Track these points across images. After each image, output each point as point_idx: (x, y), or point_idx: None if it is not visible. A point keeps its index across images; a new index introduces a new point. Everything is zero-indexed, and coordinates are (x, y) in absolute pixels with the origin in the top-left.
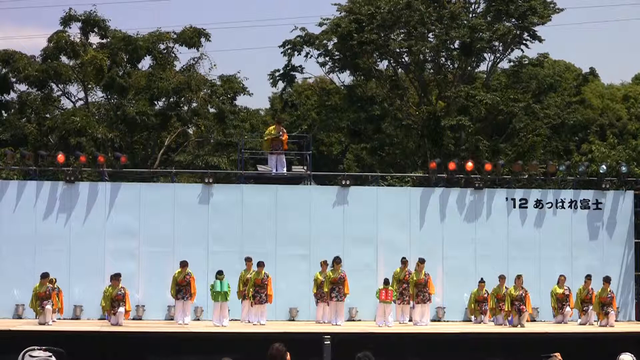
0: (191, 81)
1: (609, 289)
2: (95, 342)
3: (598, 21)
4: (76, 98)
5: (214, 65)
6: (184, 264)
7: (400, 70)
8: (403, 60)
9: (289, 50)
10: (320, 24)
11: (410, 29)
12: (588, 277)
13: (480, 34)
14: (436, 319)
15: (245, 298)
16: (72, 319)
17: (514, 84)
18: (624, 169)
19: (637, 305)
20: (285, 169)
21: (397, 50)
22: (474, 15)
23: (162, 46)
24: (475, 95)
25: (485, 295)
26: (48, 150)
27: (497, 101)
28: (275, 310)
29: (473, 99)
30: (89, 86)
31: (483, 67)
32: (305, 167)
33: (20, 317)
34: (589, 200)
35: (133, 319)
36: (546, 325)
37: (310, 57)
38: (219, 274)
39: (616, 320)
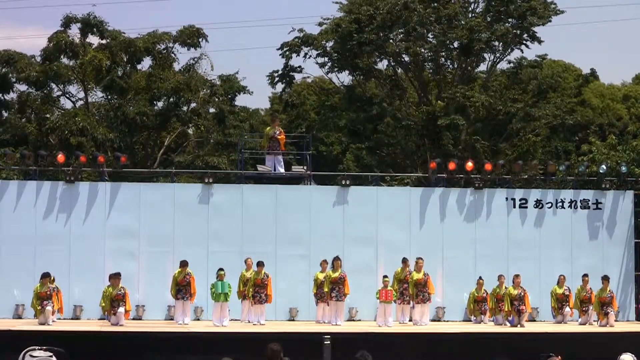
0: (190, 81)
1: (608, 289)
2: (95, 342)
3: (598, 21)
4: (76, 98)
5: (211, 67)
6: (184, 264)
7: (399, 70)
8: (402, 59)
9: (287, 53)
10: (320, 24)
11: (410, 29)
12: (585, 276)
13: (479, 34)
14: (436, 319)
15: (245, 298)
16: (72, 319)
17: (513, 84)
18: (623, 169)
19: (637, 305)
20: (283, 169)
21: (397, 50)
22: (473, 15)
23: (161, 46)
24: (471, 96)
25: (485, 294)
26: (48, 150)
27: (491, 102)
28: (275, 310)
29: (469, 100)
30: (89, 86)
31: (483, 67)
32: (305, 167)
33: (20, 317)
34: (589, 200)
35: (133, 319)
36: (546, 325)
37: (309, 58)
38: (220, 270)
39: (616, 320)
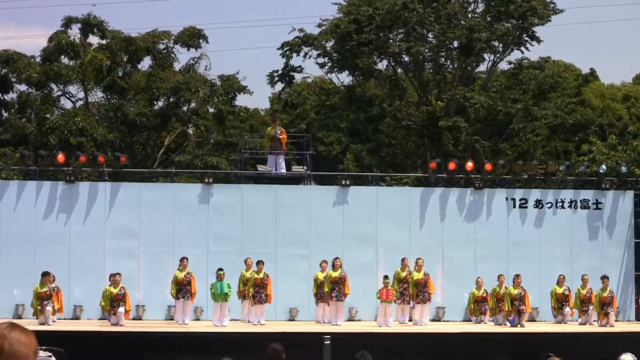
0: (190, 81)
1: (608, 289)
2: (95, 342)
3: (598, 21)
4: (76, 98)
5: (210, 66)
6: (183, 259)
7: (399, 70)
8: (402, 59)
9: (287, 52)
10: (320, 25)
11: (409, 29)
12: (585, 276)
13: (479, 34)
14: (436, 319)
15: (245, 298)
16: (72, 319)
17: (514, 85)
18: (623, 169)
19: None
20: (284, 169)
21: (397, 50)
22: (473, 15)
23: (161, 46)
24: (471, 97)
25: (485, 294)
26: (48, 150)
27: (490, 104)
28: (275, 310)
29: (469, 101)
30: (89, 86)
31: (483, 67)
32: (305, 167)
33: (20, 317)
34: (589, 200)
35: (133, 319)
36: (546, 325)
37: (309, 58)
38: (220, 270)
39: (616, 320)
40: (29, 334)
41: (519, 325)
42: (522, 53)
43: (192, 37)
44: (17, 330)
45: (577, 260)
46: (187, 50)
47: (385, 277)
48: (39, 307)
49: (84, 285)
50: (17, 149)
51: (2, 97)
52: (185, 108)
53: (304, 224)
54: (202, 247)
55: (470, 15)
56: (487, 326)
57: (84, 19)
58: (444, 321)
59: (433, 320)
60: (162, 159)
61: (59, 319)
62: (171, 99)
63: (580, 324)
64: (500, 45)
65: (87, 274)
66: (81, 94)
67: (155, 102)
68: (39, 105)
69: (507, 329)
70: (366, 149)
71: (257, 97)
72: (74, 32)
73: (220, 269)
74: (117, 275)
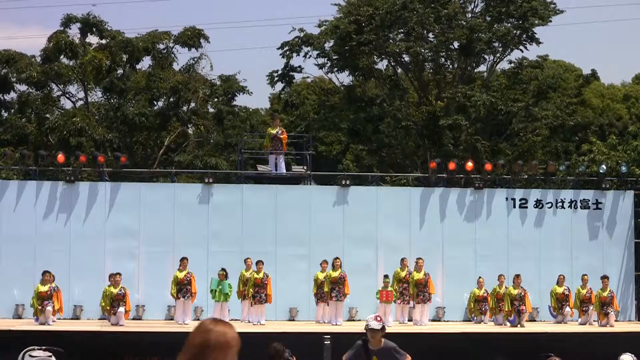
0: (190, 81)
1: (608, 289)
2: (96, 342)
3: (598, 21)
4: (76, 98)
5: (210, 66)
6: (184, 259)
7: (399, 70)
8: (402, 60)
9: (287, 52)
10: (319, 25)
11: (409, 29)
12: (585, 276)
13: (479, 34)
14: (436, 319)
15: (245, 298)
16: (72, 319)
17: (514, 84)
18: (623, 169)
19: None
20: (284, 169)
21: (397, 50)
22: (473, 15)
23: (161, 46)
24: (472, 96)
25: (485, 294)
26: (48, 150)
27: (492, 102)
28: (275, 310)
29: (470, 100)
30: (89, 86)
31: (483, 67)
32: (305, 167)
33: (20, 317)
34: (589, 200)
35: (133, 319)
36: (546, 325)
37: (309, 58)
38: (221, 270)
39: (616, 320)
40: (231, 327)
41: (519, 325)
42: (522, 52)
43: (192, 37)
44: (221, 324)
45: (577, 260)
46: (188, 50)
47: (386, 276)
48: (39, 307)
49: (84, 285)
50: (17, 149)
51: (2, 97)
52: (185, 108)
53: (303, 224)
54: (202, 247)
55: (470, 15)
56: (487, 326)
57: (84, 18)
58: (444, 321)
59: (433, 320)
60: (162, 159)
61: (59, 319)
62: (171, 99)
63: (580, 324)
64: (500, 45)
65: (87, 274)
66: (81, 94)
67: (155, 102)
68: (39, 105)
69: (507, 329)
70: (366, 149)
71: (257, 97)
72: (74, 32)
73: (222, 270)
74: (117, 275)
